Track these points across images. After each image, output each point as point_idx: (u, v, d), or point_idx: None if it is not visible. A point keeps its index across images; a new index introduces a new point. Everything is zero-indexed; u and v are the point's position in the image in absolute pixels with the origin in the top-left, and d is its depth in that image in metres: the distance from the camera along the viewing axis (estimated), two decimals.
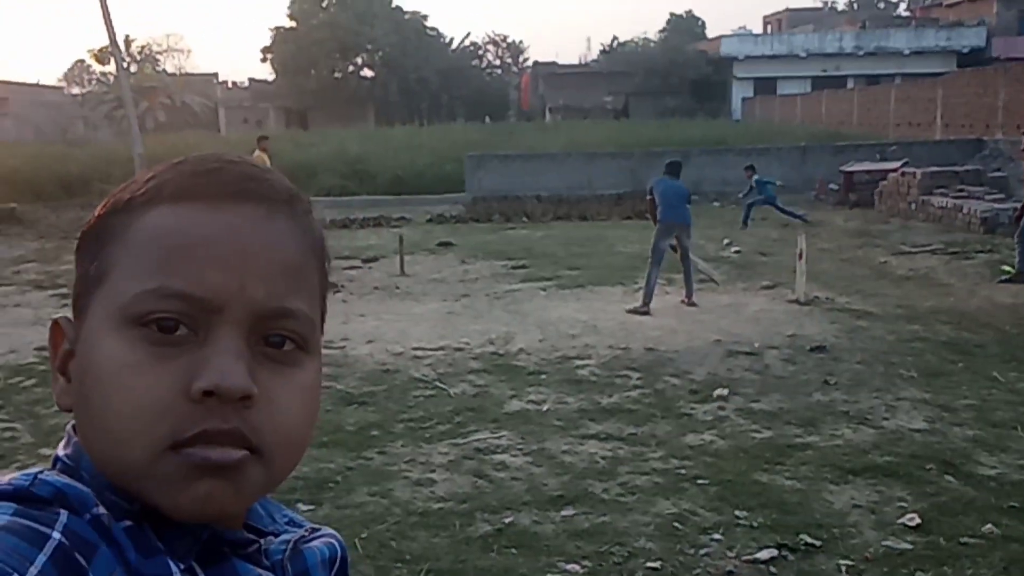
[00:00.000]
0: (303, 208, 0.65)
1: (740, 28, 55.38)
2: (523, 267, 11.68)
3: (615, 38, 57.21)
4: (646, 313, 8.59)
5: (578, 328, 8.12)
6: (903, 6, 64.83)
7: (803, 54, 41.83)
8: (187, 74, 47.95)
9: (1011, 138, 17.94)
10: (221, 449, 0.58)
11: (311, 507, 4.29)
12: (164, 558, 0.58)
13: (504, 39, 63.39)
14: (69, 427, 0.64)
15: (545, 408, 5.86)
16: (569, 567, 3.71)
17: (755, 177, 15.87)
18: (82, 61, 58.08)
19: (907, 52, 40.52)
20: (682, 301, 9.08)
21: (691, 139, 23.42)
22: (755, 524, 4.08)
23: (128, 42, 46.83)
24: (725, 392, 6.10)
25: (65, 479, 0.58)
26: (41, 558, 0.51)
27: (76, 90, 51.54)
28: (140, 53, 49.08)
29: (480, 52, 60.66)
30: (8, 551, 0.50)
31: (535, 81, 49.67)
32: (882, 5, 70.47)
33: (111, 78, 37.37)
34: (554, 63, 53.16)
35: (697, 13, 60.06)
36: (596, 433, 5.37)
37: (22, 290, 10.69)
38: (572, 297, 9.71)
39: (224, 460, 0.58)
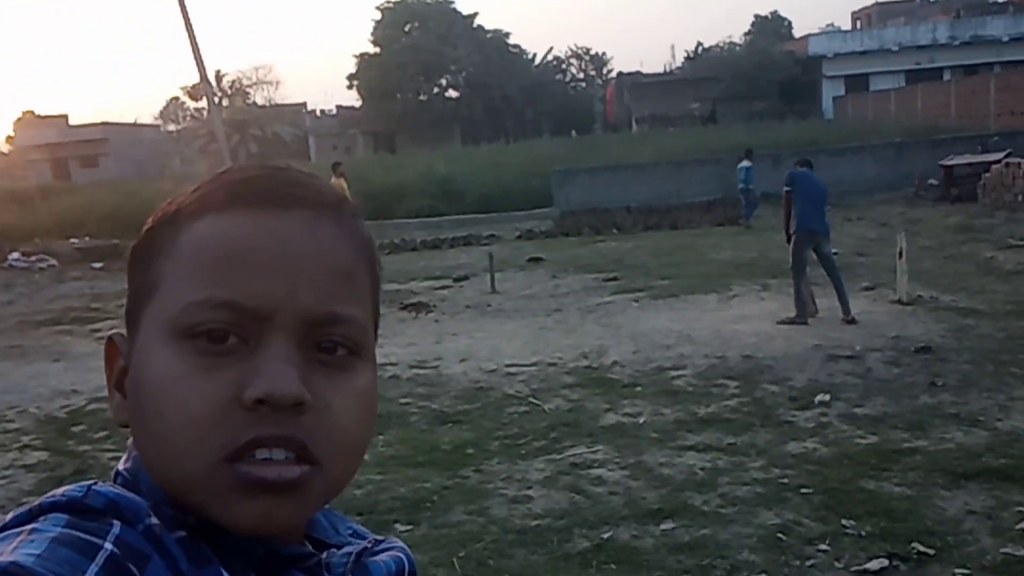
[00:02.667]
0: (351, 212, 0.64)
1: (828, 25, 54.04)
2: (614, 279, 11.62)
3: (699, 44, 56.34)
4: (804, 323, 8.10)
5: (672, 338, 8.02)
6: None
7: (895, 48, 40.45)
8: (277, 105, 49.59)
9: None
10: (277, 467, 0.57)
11: (408, 527, 4.35)
12: (217, 568, 0.57)
13: (587, 51, 63.48)
14: (130, 442, 0.64)
15: (641, 420, 5.80)
16: None
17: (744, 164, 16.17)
18: (176, 98, 60.43)
19: (1006, 39, 38.73)
20: (842, 319, 8.14)
21: (781, 141, 22.93)
22: (863, 533, 3.94)
23: (219, 77, 48.63)
24: (827, 398, 5.93)
25: (119, 490, 0.58)
26: (93, 568, 0.51)
27: (172, 127, 53.81)
28: (231, 87, 50.89)
29: (563, 66, 60.86)
30: (59, 562, 0.50)
31: (620, 92, 49.48)
32: None
33: (204, 113, 38.94)
34: (638, 73, 52.89)
35: (783, 13, 58.84)
36: (694, 444, 5.28)
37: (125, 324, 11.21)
38: (665, 307, 9.61)
39: (281, 480, 0.57)
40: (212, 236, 0.59)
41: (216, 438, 0.56)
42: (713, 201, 19.87)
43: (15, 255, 18.94)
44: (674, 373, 6.89)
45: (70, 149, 46.03)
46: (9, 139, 49.94)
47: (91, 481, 0.58)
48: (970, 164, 17.49)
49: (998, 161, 16.34)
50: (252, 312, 0.57)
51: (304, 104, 54.70)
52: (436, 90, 50.04)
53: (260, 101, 49.76)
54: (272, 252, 0.58)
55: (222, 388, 0.57)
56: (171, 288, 0.59)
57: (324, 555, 0.66)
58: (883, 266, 10.33)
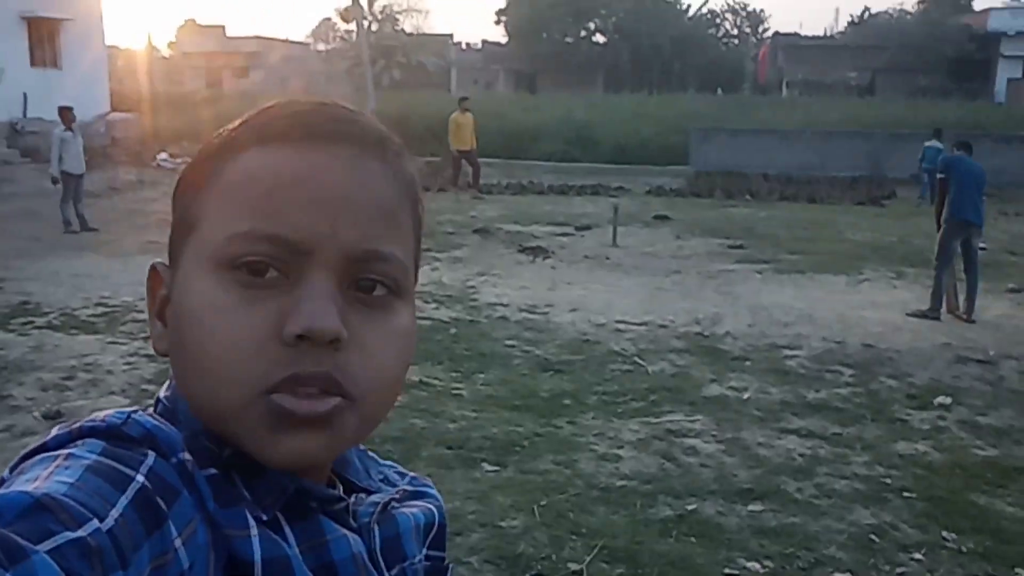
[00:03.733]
0: (395, 151, 0.64)
1: (1013, 0, 50.02)
2: (740, 247, 11.30)
3: (867, 8, 53.69)
4: (936, 318, 7.71)
5: (792, 316, 7.75)
6: None
7: None
8: (424, 34, 49.87)
9: None
10: (309, 402, 0.57)
11: (496, 468, 4.39)
12: (242, 510, 0.58)
13: (744, 7, 60.90)
14: (171, 371, 0.65)
15: (746, 396, 5.65)
16: (750, 565, 3.57)
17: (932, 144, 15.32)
18: (329, 19, 61.43)
19: None
20: (959, 316, 7.82)
21: (943, 122, 21.45)
22: (964, 549, 3.73)
23: (371, 1, 49.24)
24: (948, 401, 5.61)
25: (157, 420, 0.59)
26: (123, 500, 0.51)
27: (321, 46, 54.80)
28: (381, 13, 51.42)
29: (717, 20, 58.76)
30: (91, 493, 0.50)
31: (774, 52, 47.48)
32: None
33: (354, 36, 39.53)
34: (796, 34, 50.56)
35: None
36: (797, 428, 5.11)
37: None
38: (790, 283, 9.28)
39: (312, 413, 0.57)
40: (256, 169, 0.59)
41: (255, 370, 0.57)
42: (858, 178, 18.95)
43: (163, 155, 19.98)
44: (788, 352, 6.67)
45: (225, 59, 47.47)
46: (171, 45, 52.15)
47: (132, 409, 0.59)
48: None
49: None
50: (294, 246, 0.58)
51: (451, 36, 54.86)
52: (583, 33, 49.29)
53: (408, 29, 50.11)
54: (315, 187, 0.58)
55: (262, 321, 0.57)
56: (214, 220, 0.60)
57: (352, 499, 0.67)
58: None
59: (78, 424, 0.57)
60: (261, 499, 0.59)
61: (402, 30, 47.97)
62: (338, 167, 0.59)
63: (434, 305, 7.71)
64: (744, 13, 60.78)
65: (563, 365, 6.20)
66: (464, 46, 54.92)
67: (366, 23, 22.78)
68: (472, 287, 8.63)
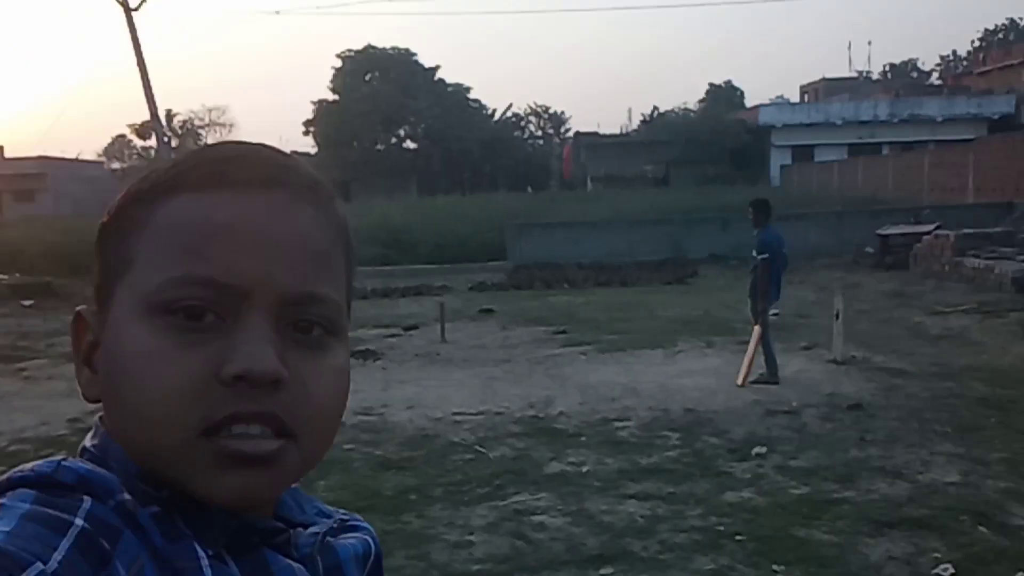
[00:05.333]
0: (327, 195, 0.65)
1: (777, 97, 55.86)
2: (564, 332, 11.76)
3: (655, 108, 57.71)
4: (776, 383, 8.07)
5: (618, 391, 8.17)
6: (935, 75, 65.41)
7: (839, 122, 42.03)
8: None
9: None
10: (255, 441, 0.57)
11: None
12: (191, 543, 0.58)
13: (546, 110, 64.43)
14: (97, 419, 0.64)
15: (585, 469, 5.91)
16: None
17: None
18: (123, 136, 58.81)
19: (940, 119, 40.64)
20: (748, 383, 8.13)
21: (731, 205, 23.47)
22: None
23: (170, 116, 47.74)
24: (764, 450, 6.11)
25: (89, 465, 0.58)
26: (65, 543, 0.51)
27: (116, 165, 52.50)
28: (182, 127, 50.09)
29: (522, 123, 61.63)
30: (30, 539, 0.50)
31: (577, 151, 50.23)
32: (915, 75, 71.50)
33: (152, 153, 38.34)
34: (595, 133, 53.79)
35: (736, 83, 60.58)
36: (635, 493, 5.40)
37: (55, 363, 10.51)
38: (612, 360, 9.76)
39: (258, 452, 0.58)
40: (191, 214, 0.59)
41: (194, 413, 0.57)
42: (663, 260, 20.25)
43: None
44: (618, 424, 7.03)
45: (4, 182, 44.37)
46: None
47: (61, 457, 0.58)
48: (903, 234, 18.27)
49: (928, 232, 17.16)
50: (231, 289, 0.58)
51: None
52: (394, 140, 50.30)
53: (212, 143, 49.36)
54: (251, 232, 0.59)
55: (200, 364, 0.57)
56: (147, 264, 0.59)
57: (292, 533, 0.66)
58: (821, 327, 10.66)
59: (5, 476, 0.56)
60: (203, 536, 0.59)
61: (205, 144, 47.17)
62: (273, 212, 0.60)
63: None
64: (547, 115, 64.25)
65: (405, 462, 6.21)
66: None
67: (165, 138, 22.11)
68: None
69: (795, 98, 59.86)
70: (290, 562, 0.63)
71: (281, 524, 0.66)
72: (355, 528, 0.74)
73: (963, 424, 6.61)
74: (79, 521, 0.53)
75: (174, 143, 44.44)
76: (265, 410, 0.58)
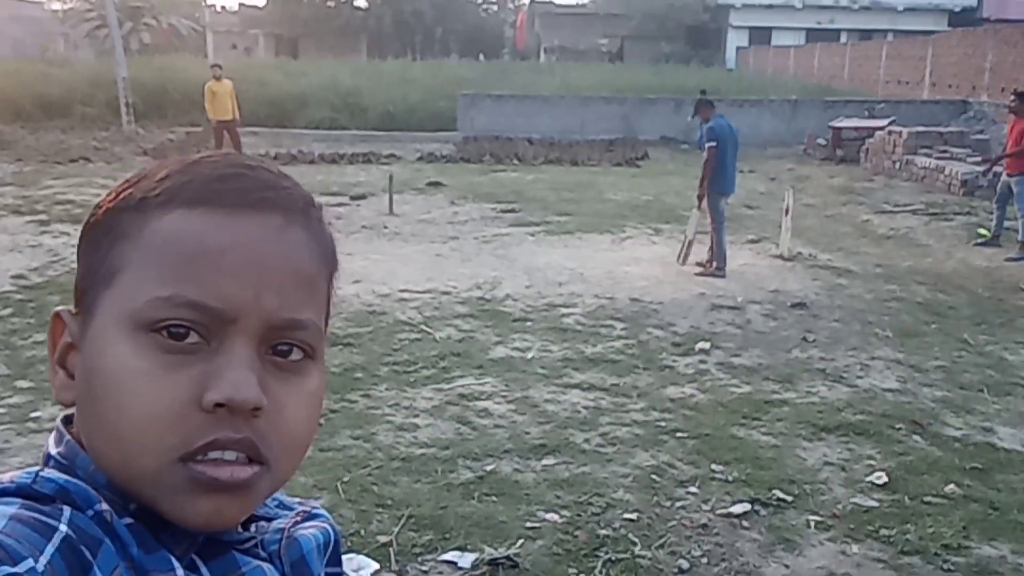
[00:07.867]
0: (317, 216, 0.66)
1: None
2: (512, 211, 11.68)
3: None
4: (722, 275, 8.09)
5: (565, 276, 8.17)
6: None
7: (799, 5, 41.27)
8: None
9: (996, 101, 17.93)
10: (229, 468, 0.58)
11: None
12: (165, 553, 0.59)
13: None
14: (59, 423, 0.64)
15: (530, 356, 5.94)
16: (548, 516, 3.81)
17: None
18: None
19: (900, 8, 40.15)
20: (698, 263, 8.43)
21: (685, 87, 23.19)
22: (730, 478, 4.20)
23: None
24: (707, 346, 6.20)
25: (67, 476, 0.59)
26: (50, 548, 0.52)
27: (57, 5, 49.72)
28: None
29: None
30: (20, 538, 0.51)
31: (531, 20, 48.83)
32: None
33: None
34: (551, 2, 52.23)
35: None
36: (579, 383, 5.46)
37: None
38: (560, 244, 9.74)
39: (234, 480, 0.58)
40: (182, 232, 0.59)
41: (173, 437, 0.57)
42: (614, 140, 20.05)
43: None
44: (564, 310, 7.05)
45: None
46: None
47: (37, 469, 0.59)
48: (856, 128, 18.21)
49: (882, 128, 17.09)
50: (217, 313, 0.58)
51: None
52: None
53: None
54: (242, 256, 0.59)
55: (182, 388, 0.57)
56: (135, 278, 0.59)
57: (256, 532, 0.68)
58: (768, 220, 10.76)
59: None
60: (172, 549, 0.60)
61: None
62: (264, 236, 0.60)
63: None
64: None
65: (351, 338, 6.19)
66: (219, 8, 51.91)
67: None
68: None
69: None
70: (259, 563, 0.66)
71: (248, 533, 0.68)
72: (315, 516, 0.75)
73: (904, 329, 6.76)
74: (63, 527, 0.54)
75: None
76: (244, 437, 0.58)
